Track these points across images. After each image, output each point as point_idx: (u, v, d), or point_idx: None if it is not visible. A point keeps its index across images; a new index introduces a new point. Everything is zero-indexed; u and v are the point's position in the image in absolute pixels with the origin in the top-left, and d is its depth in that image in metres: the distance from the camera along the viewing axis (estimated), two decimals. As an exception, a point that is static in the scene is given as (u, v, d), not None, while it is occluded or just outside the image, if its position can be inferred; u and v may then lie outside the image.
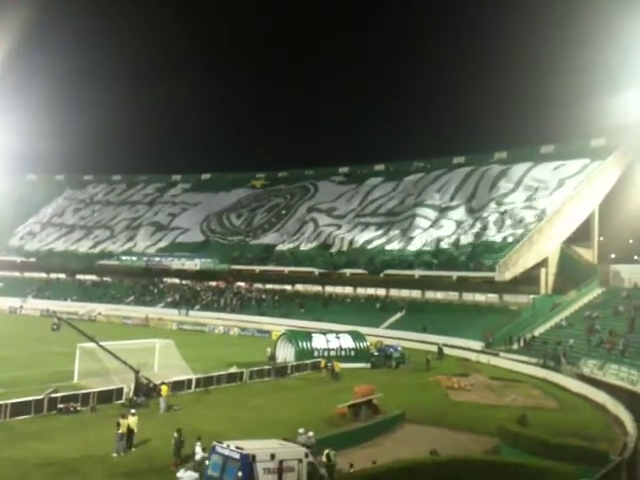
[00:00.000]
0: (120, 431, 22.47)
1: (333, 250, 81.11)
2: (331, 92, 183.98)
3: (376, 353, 48.16)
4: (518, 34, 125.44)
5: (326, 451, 20.37)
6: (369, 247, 78.44)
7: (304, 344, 46.02)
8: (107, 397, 29.83)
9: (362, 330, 52.65)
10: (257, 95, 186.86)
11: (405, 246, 75.47)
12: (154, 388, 30.62)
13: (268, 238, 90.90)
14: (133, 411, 24.35)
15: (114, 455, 21.97)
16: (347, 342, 47.55)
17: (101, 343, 32.99)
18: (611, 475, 19.09)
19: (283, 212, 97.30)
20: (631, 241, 72.74)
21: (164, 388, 29.94)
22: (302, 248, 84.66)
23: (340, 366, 41.77)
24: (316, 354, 45.27)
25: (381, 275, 72.96)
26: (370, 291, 76.07)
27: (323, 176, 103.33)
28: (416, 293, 72.29)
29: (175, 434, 21.33)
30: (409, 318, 66.18)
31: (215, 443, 17.94)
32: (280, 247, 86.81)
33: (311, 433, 22.00)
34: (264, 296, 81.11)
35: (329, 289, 79.26)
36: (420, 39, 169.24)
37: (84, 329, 34.61)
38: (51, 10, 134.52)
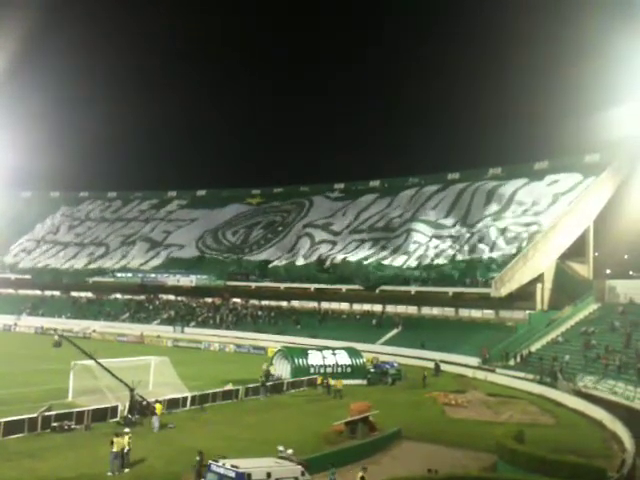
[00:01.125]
0: (114, 450, 22.28)
1: (329, 266, 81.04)
2: (326, 108, 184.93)
3: (372, 370, 47.97)
4: (512, 51, 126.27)
5: (360, 473, 20.15)
6: (365, 263, 78.45)
7: (300, 361, 45.83)
8: (102, 415, 29.56)
9: (358, 346, 52.49)
10: (252, 112, 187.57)
11: (401, 262, 75.49)
12: (148, 406, 30.34)
13: (264, 254, 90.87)
14: (127, 430, 24.13)
15: (109, 474, 21.77)
16: (343, 358, 47.37)
17: (98, 361, 32.81)
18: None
19: (279, 228, 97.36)
20: (626, 256, 72.93)
21: (158, 406, 29.69)
22: (298, 264, 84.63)
23: (342, 382, 41.55)
24: (312, 371, 45.11)
25: (377, 291, 72.92)
26: (366, 307, 76.03)
27: (318, 192, 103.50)
28: (412, 309, 72.27)
29: (197, 457, 20.94)
30: (405, 334, 66.05)
31: (211, 462, 17.81)
32: (276, 263, 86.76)
33: (290, 451, 21.74)
34: (260, 312, 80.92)
35: (325, 305, 79.17)
36: (414, 56, 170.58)
37: (82, 346, 34.37)
38: (46, 28, 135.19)
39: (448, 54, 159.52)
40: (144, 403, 30.41)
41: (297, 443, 23.32)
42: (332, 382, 41.84)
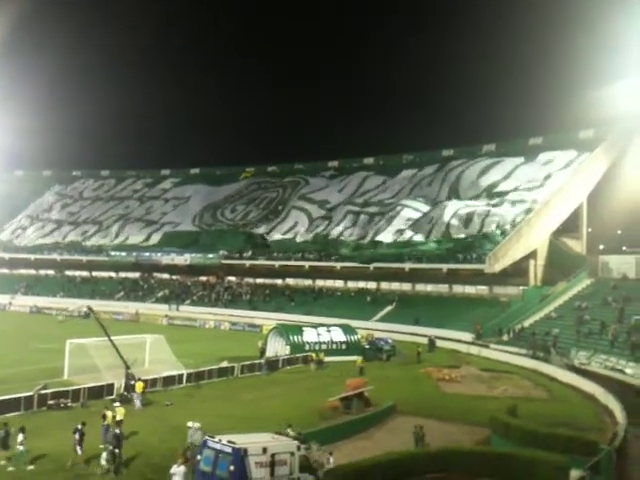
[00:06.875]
0: (105, 423, 22.82)
1: (325, 243, 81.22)
2: (318, 86, 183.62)
3: (367, 346, 48.32)
4: (506, 26, 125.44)
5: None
6: (360, 240, 78.62)
7: (295, 338, 46.07)
8: (98, 393, 29.79)
9: (353, 323, 52.79)
10: (245, 91, 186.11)
11: (395, 239, 75.61)
12: (133, 385, 29.82)
13: (260, 231, 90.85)
14: (117, 403, 24.88)
15: (101, 447, 22.00)
16: (338, 335, 47.70)
17: (93, 339, 33.02)
18: (601, 464, 19.20)
19: (274, 205, 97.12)
20: (619, 232, 72.95)
21: (139, 385, 29.44)
22: (294, 241, 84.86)
23: (324, 355, 43.50)
24: (307, 348, 45.39)
25: (371, 268, 73.05)
26: (361, 284, 76.20)
27: (313, 170, 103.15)
28: (406, 286, 72.46)
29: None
30: (400, 311, 66.31)
31: (207, 437, 17.93)
32: (272, 240, 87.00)
33: (197, 424, 21.98)
34: (254, 291, 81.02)
35: (320, 283, 79.30)
36: (406, 33, 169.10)
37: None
38: (40, 8, 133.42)
39: (443, 32, 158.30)
40: (131, 382, 30.23)
41: (292, 419, 23.46)
42: (315, 356, 43.05)
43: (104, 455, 19.65)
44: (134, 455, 21.60)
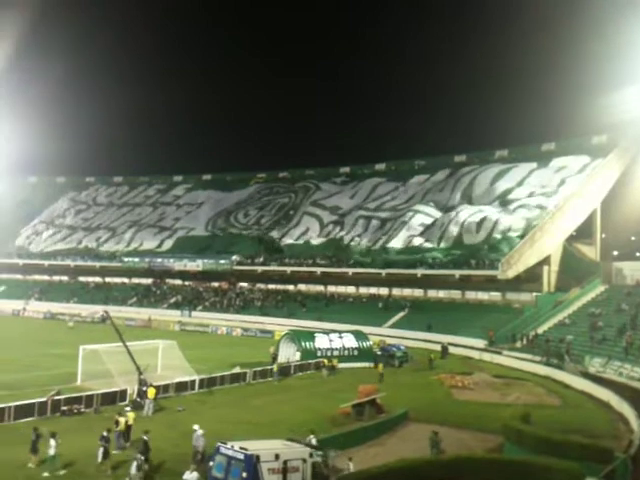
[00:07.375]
0: (119, 429, 22.94)
1: (337, 248, 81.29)
2: (329, 91, 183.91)
3: (379, 352, 48.19)
4: (519, 32, 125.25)
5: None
6: (372, 246, 78.54)
7: (307, 344, 46.02)
8: (111, 399, 29.83)
9: (365, 329, 52.66)
10: (255, 95, 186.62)
11: (407, 244, 75.52)
12: (145, 391, 29.86)
13: (273, 236, 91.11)
14: (128, 408, 25.05)
15: (114, 452, 22.04)
16: (350, 342, 47.58)
17: (106, 345, 33.12)
18: (617, 472, 19.00)
19: (285, 211, 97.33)
20: (633, 238, 72.49)
21: (150, 391, 29.49)
22: (306, 246, 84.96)
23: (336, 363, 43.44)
24: (319, 354, 45.32)
25: (383, 274, 72.95)
26: (372, 290, 76.10)
27: (324, 176, 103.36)
28: (419, 292, 72.35)
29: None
30: (412, 317, 66.14)
31: (219, 444, 17.93)
32: (284, 245, 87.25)
33: (201, 431, 21.88)
34: (266, 296, 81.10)
35: (331, 288, 79.29)
36: (419, 36, 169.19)
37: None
38: (50, 13, 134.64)
39: (455, 37, 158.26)
40: (144, 388, 30.27)
41: (304, 425, 23.45)
42: (327, 362, 43.01)
43: (135, 464, 19.55)
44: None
